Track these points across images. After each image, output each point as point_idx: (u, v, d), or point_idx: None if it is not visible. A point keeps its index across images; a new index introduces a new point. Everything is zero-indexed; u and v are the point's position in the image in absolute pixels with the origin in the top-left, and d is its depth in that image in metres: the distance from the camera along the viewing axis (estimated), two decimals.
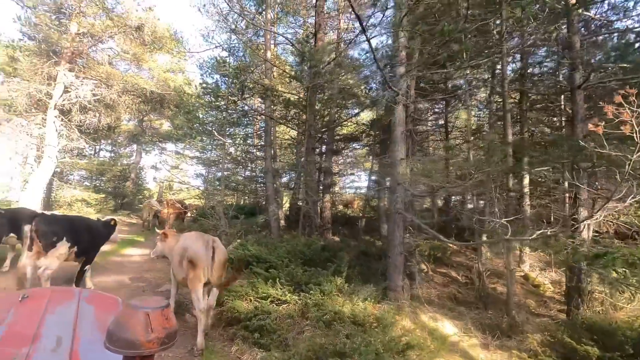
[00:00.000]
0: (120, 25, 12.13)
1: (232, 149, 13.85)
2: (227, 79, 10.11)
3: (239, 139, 15.58)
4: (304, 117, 10.02)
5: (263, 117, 16.23)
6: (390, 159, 6.17)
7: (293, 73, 10.68)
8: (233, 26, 9.71)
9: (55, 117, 12.15)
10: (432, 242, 6.45)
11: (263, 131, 16.75)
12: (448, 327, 5.60)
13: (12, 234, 6.50)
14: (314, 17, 10.23)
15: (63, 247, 5.11)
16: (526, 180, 8.17)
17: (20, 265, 4.97)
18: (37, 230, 4.86)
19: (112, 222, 6.65)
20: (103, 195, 16.92)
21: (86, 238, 5.65)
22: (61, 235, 5.10)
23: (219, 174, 27.89)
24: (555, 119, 10.43)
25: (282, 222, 12.28)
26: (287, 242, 8.53)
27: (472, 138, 8.83)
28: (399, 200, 5.74)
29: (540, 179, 9.24)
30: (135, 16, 11.92)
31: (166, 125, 28.25)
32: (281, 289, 5.42)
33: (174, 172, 33.49)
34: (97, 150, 22.07)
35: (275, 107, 11.34)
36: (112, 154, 23.84)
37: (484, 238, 6.65)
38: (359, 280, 6.16)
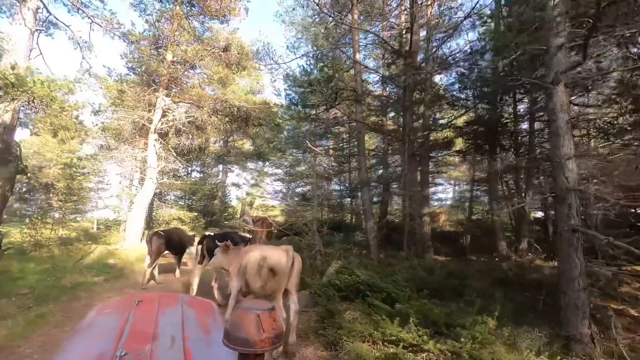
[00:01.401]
0: (209, 48, 12.49)
1: (320, 162, 13.14)
2: (314, 87, 9.44)
3: (324, 151, 14.96)
4: (387, 123, 8.83)
5: (344, 127, 15.59)
6: (552, 158, 4.59)
7: (387, 73, 9.59)
8: (322, 29, 9.08)
9: (155, 140, 12.83)
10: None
11: (345, 142, 15.97)
12: None
13: (167, 251, 8.29)
14: (409, 8, 9.10)
15: None
16: None
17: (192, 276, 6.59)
18: (208, 248, 6.19)
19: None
20: (195, 214, 17.56)
21: None
22: None
23: (299, 189, 28.06)
24: None
25: None
26: (396, 265, 7.27)
27: None
28: (574, 212, 4.13)
29: None
30: (223, 37, 12.16)
31: (248, 145, 29.49)
32: (416, 331, 4.17)
33: (254, 190, 34.72)
34: (190, 171, 23.53)
35: (365, 114, 10.35)
36: (202, 174, 25.31)
37: None
38: (511, 321, 4.61)
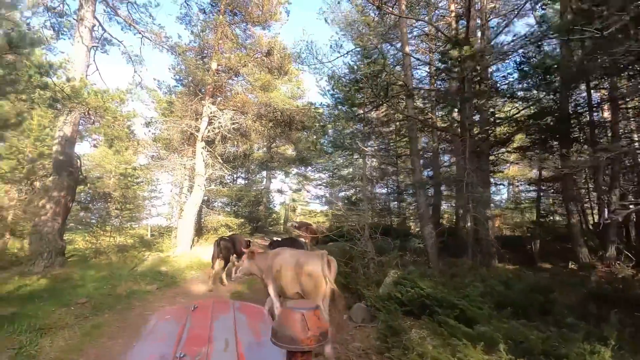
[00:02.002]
0: (251, 54, 12.47)
1: (366, 164, 12.53)
2: (361, 84, 8.91)
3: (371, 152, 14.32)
4: (433, 119, 8.00)
5: (390, 127, 14.85)
6: None
7: (441, 65, 8.80)
8: (368, 22, 8.54)
9: (202, 148, 13.01)
10: None
11: (392, 142, 15.19)
12: None
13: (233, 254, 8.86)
14: None
15: None
16: None
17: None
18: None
19: None
20: (241, 220, 17.67)
21: None
22: None
23: (342, 193, 27.55)
24: None
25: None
26: (461, 276, 6.46)
27: None
28: None
29: None
30: (265, 42, 12.08)
31: (290, 151, 29.60)
32: None
33: (297, 195, 34.79)
34: (235, 178, 23.93)
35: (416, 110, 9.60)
36: (246, 181, 25.69)
37: None
38: (631, 352, 3.69)
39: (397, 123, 11.43)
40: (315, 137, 11.80)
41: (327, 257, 4.61)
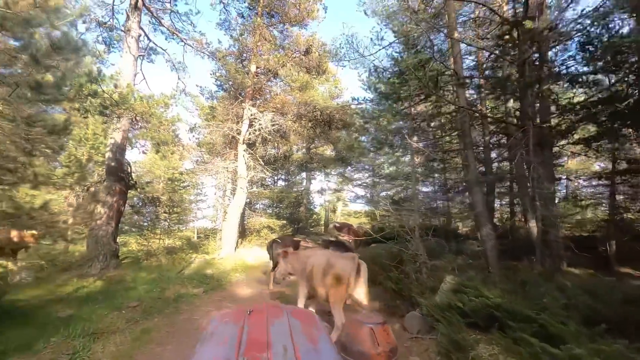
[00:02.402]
0: (290, 53, 12.32)
1: (410, 162, 11.86)
2: (407, 76, 8.33)
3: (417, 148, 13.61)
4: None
5: (435, 122, 13.98)
6: None
7: (496, 50, 7.99)
8: (412, 9, 7.95)
9: (244, 151, 13.07)
10: None
11: (439, 137, 14.31)
12: None
13: None
14: None
15: None
16: None
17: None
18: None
19: None
20: (283, 221, 17.63)
21: None
22: None
23: (384, 193, 26.76)
24: None
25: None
26: (530, 283, 5.69)
27: None
28: None
29: None
30: (303, 40, 11.86)
31: (329, 151, 29.35)
32: None
33: (337, 195, 34.42)
34: (276, 180, 24.07)
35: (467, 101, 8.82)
36: (287, 183, 25.76)
37: None
38: None
39: (446, 116, 10.63)
40: (356, 134, 11.32)
41: (357, 260, 4.61)
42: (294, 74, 13.91)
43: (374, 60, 8.77)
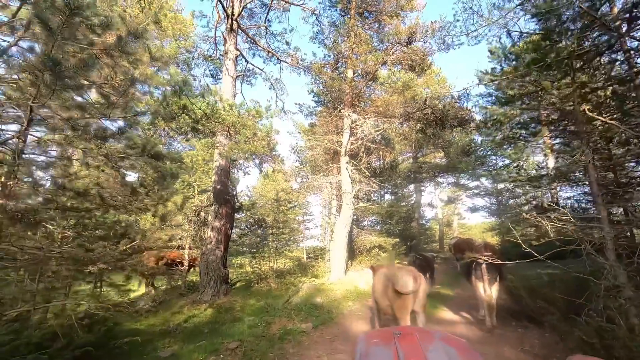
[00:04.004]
0: (389, 49, 10.85)
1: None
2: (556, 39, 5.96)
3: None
4: None
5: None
6: None
7: None
8: None
9: (347, 163, 11.92)
10: None
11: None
12: None
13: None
14: None
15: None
16: None
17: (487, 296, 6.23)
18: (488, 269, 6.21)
19: None
20: (396, 239, 15.70)
21: None
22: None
23: (513, 200, 22.34)
24: None
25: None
26: None
27: None
28: None
29: None
30: (404, 29, 10.30)
31: (438, 160, 26.34)
32: None
33: (451, 207, 30.63)
34: (382, 193, 22.36)
35: None
36: (394, 196, 23.69)
37: None
38: None
39: None
40: (486, 124, 8.89)
41: (416, 273, 4.74)
42: (395, 73, 12.35)
43: (508, 21, 6.58)
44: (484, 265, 6.33)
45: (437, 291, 9.94)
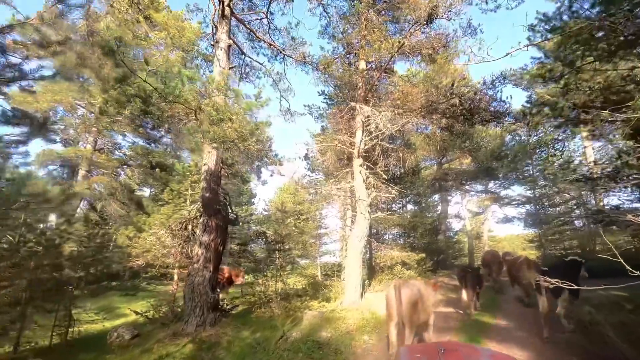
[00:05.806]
0: (408, 28, 9.26)
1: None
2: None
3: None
4: None
5: None
6: None
7: None
8: None
9: (360, 165, 10.24)
10: None
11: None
12: None
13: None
14: None
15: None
16: None
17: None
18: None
19: None
20: (422, 255, 13.65)
21: None
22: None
23: (551, 210, 19.88)
24: None
25: None
26: None
27: None
28: None
29: None
30: (423, 3, 8.71)
31: (464, 166, 24.09)
32: None
33: (481, 219, 27.99)
34: (404, 203, 20.32)
35: None
36: (418, 206, 21.55)
37: None
38: None
39: None
40: (528, 116, 7.01)
41: (400, 286, 5.02)
42: (413, 66, 10.74)
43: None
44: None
45: (473, 319, 7.95)
